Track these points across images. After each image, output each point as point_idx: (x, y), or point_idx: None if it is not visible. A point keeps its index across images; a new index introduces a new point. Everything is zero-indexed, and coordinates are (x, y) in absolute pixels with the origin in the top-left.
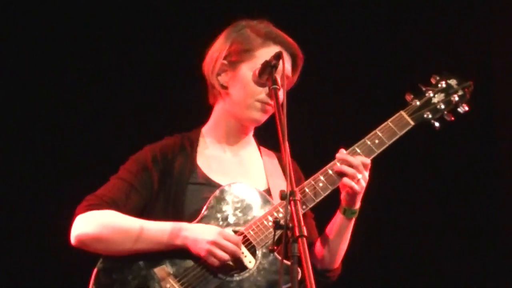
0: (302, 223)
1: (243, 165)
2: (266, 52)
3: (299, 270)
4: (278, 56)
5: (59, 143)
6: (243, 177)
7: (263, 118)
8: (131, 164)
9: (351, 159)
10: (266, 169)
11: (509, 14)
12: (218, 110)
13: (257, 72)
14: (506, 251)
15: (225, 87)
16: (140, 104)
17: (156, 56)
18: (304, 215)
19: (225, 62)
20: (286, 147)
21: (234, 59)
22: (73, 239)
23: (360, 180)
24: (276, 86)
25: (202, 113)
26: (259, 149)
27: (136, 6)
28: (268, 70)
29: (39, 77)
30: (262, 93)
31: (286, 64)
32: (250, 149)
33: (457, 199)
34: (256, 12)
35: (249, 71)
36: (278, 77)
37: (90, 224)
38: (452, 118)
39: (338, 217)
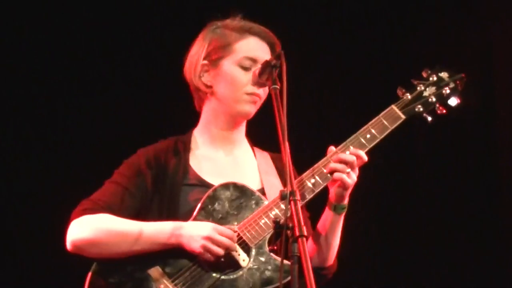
0: (302, 223)
1: (237, 164)
2: (244, 44)
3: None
4: (278, 56)
5: (54, 146)
6: (236, 176)
7: (252, 109)
8: (125, 168)
9: (342, 155)
10: (260, 168)
11: (509, 12)
12: (207, 111)
13: (257, 72)
14: (506, 252)
15: (209, 87)
16: (134, 107)
17: (149, 59)
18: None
19: (205, 62)
20: (286, 147)
21: (215, 57)
22: (68, 244)
23: (350, 173)
24: (276, 86)
25: (196, 116)
26: (253, 149)
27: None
28: (268, 70)
29: (33, 75)
30: (248, 84)
31: (262, 53)
32: (243, 149)
33: (456, 199)
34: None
35: (232, 65)
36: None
37: (85, 228)
38: (444, 111)
39: (328, 214)
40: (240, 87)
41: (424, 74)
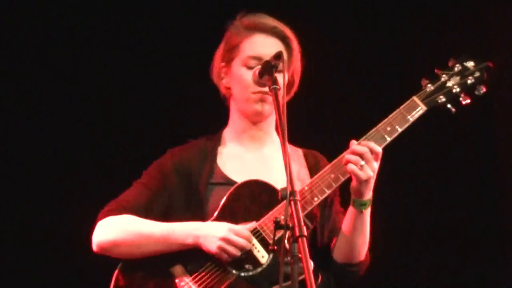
0: (302, 223)
1: (265, 162)
2: (249, 42)
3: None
4: (278, 56)
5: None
6: (263, 174)
7: (262, 107)
8: (152, 169)
9: (355, 146)
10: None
11: (509, 11)
12: (232, 111)
13: (257, 72)
14: (505, 253)
15: (229, 88)
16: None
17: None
18: (332, 205)
19: (223, 64)
20: (286, 147)
21: (228, 59)
22: (94, 245)
23: (364, 167)
24: (276, 86)
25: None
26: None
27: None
28: (268, 70)
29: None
30: (253, 84)
31: (268, 50)
32: (272, 146)
33: (456, 200)
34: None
35: (239, 66)
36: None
37: (108, 229)
38: (469, 100)
39: (350, 210)
40: (247, 87)
41: (450, 64)
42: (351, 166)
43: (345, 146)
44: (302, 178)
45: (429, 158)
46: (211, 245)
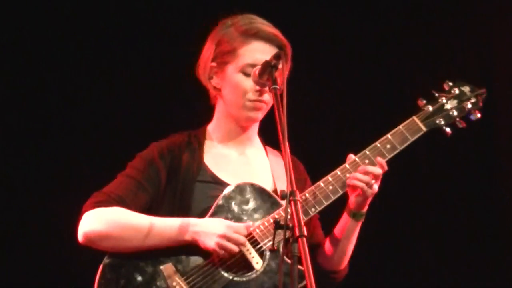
0: (302, 223)
1: (250, 164)
2: (248, 50)
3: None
4: (278, 56)
5: (66, 141)
6: (250, 176)
7: (257, 115)
8: (138, 161)
9: (370, 168)
10: (272, 169)
11: (509, 20)
12: (218, 110)
13: (257, 72)
14: (505, 254)
15: (218, 89)
16: (145, 101)
17: (160, 53)
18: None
19: (214, 64)
20: (286, 147)
21: (221, 61)
22: (80, 236)
23: (373, 186)
24: (276, 86)
25: (208, 111)
26: (265, 148)
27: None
28: (268, 70)
29: (39, 75)
30: (250, 91)
31: (267, 58)
32: (256, 149)
33: (455, 202)
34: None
35: (235, 72)
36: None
37: (99, 221)
38: (464, 125)
39: (346, 220)
40: (243, 94)
41: (446, 87)
42: (361, 184)
43: (341, 157)
44: (285, 182)
45: (429, 157)
46: (209, 242)
